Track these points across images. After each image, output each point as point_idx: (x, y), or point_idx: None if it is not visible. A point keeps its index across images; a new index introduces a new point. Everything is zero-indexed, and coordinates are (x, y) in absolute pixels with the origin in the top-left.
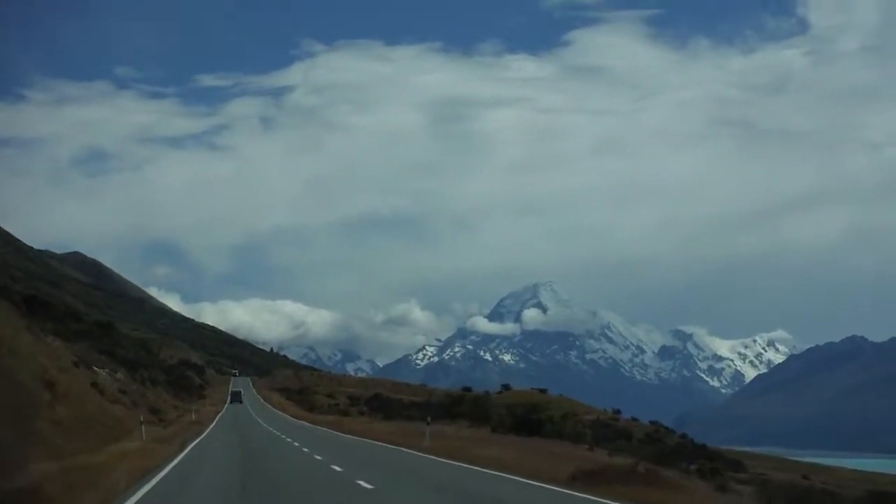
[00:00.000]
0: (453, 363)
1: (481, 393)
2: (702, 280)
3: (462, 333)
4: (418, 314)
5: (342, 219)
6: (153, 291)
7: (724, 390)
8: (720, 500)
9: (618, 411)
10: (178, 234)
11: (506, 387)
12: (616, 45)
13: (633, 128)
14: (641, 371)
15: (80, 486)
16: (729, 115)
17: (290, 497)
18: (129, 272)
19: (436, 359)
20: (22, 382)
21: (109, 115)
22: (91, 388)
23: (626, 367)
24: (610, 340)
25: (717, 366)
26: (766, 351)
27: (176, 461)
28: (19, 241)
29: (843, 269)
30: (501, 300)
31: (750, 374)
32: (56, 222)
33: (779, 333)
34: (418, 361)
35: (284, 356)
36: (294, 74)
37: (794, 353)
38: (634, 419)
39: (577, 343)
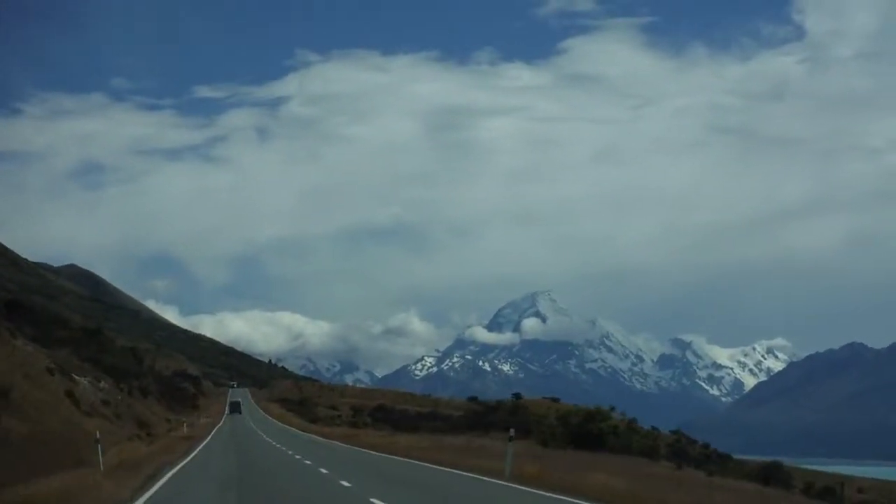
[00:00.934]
0: (452, 374)
1: (517, 400)
2: (701, 288)
3: (461, 343)
4: (417, 324)
5: (340, 229)
6: (151, 304)
7: (723, 399)
8: None
9: (634, 420)
10: (176, 246)
11: (517, 396)
12: (612, 53)
13: (630, 136)
14: (641, 380)
15: None
16: (726, 123)
17: None
18: (126, 285)
19: (435, 369)
20: None
21: (105, 127)
22: (65, 397)
23: (626, 376)
24: (609, 349)
25: (717, 374)
26: (765, 359)
27: None
28: (15, 253)
29: (843, 276)
30: (500, 310)
31: (749, 382)
32: (52, 235)
33: (778, 341)
34: (417, 372)
35: (283, 367)
36: (289, 85)
37: (794, 360)
38: (655, 428)
39: (577, 352)
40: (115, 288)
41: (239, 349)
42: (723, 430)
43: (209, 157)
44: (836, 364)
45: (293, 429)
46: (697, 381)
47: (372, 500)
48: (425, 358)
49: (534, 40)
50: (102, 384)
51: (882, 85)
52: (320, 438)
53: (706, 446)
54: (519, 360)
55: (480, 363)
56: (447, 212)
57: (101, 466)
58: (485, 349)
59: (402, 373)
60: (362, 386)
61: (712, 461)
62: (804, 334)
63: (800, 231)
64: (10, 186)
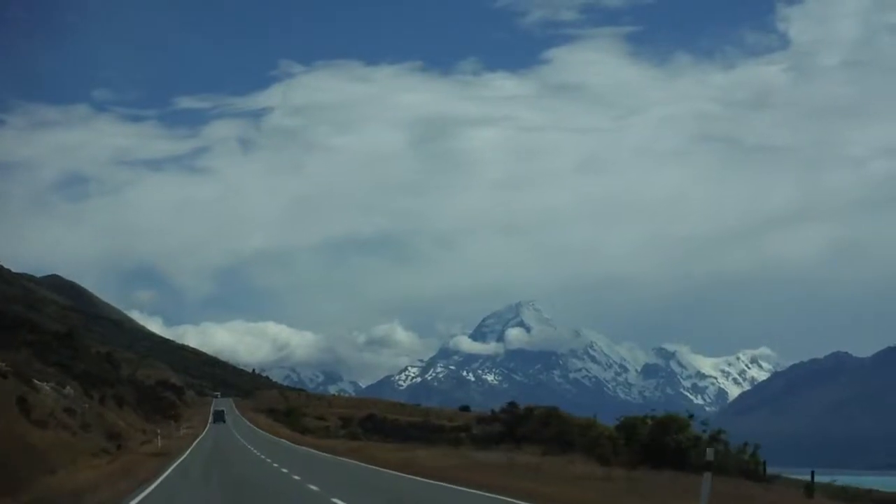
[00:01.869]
0: (436, 383)
1: (551, 408)
2: (685, 298)
3: (445, 353)
4: (401, 334)
5: (324, 240)
6: (135, 315)
7: (707, 408)
8: None
9: (720, 432)
10: (159, 258)
11: (512, 405)
12: (596, 63)
13: (615, 145)
14: (625, 390)
15: None
16: (711, 132)
17: None
18: (110, 296)
19: (419, 379)
20: None
21: (88, 138)
22: (13, 405)
23: (610, 386)
24: (593, 359)
25: (701, 384)
26: (749, 368)
27: None
28: None
29: (827, 286)
30: (484, 319)
31: (734, 391)
32: (35, 246)
33: (762, 350)
34: (401, 382)
35: (267, 377)
36: (273, 96)
37: (778, 369)
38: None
39: (561, 362)
40: (98, 298)
41: (223, 359)
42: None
43: (193, 168)
44: (821, 373)
45: (285, 441)
46: (682, 390)
47: None
48: (409, 368)
49: (518, 50)
50: (68, 390)
51: (866, 93)
52: (322, 454)
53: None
54: (503, 369)
55: (464, 373)
56: (431, 222)
57: None
58: (469, 359)
59: (386, 383)
60: (346, 396)
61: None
62: (788, 344)
63: (784, 240)
64: None
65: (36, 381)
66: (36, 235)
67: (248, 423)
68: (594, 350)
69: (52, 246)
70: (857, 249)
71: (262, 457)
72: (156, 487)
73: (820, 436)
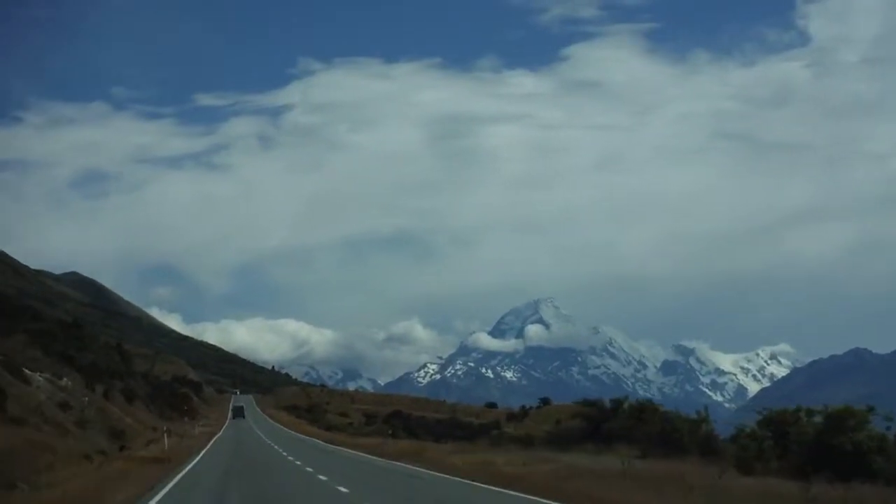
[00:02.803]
0: (455, 380)
1: (645, 402)
2: (704, 295)
3: (464, 350)
4: (420, 332)
5: (343, 237)
6: (154, 312)
7: (727, 405)
8: None
9: None
10: (179, 255)
11: (544, 400)
12: (615, 60)
13: (633, 142)
14: (644, 386)
15: None
16: (730, 129)
17: None
18: (129, 293)
19: (438, 376)
20: None
21: (107, 136)
22: None
23: (629, 383)
24: (612, 356)
25: (720, 380)
26: (768, 364)
27: None
28: (16, 261)
29: (847, 282)
30: (503, 317)
31: (753, 388)
32: (54, 244)
33: (782, 347)
34: (420, 379)
35: (287, 375)
36: (292, 93)
37: (798, 366)
38: None
39: (580, 359)
40: (117, 295)
41: (242, 357)
42: (727, 436)
43: (212, 166)
44: (840, 370)
45: (317, 440)
46: (701, 387)
47: None
48: (428, 365)
49: (536, 47)
50: (65, 382)
51: (887, 90)
52: (370, 457)
53: None
54: (522, 366)
55: (483, 370)
56: (450, 220)
57: None
58: (488, 356)
59: (405, 380)
60: (366, 392)
61: None
62: (808, 340)
63: (804, 237)
64: (11, 195)
65: (27, 371)
66: (55, 233)
67: (270, 419)
68: (613, 347)
69: (71, 243)
70: (877, 246)
71: (298, 463)
72: None
73: None
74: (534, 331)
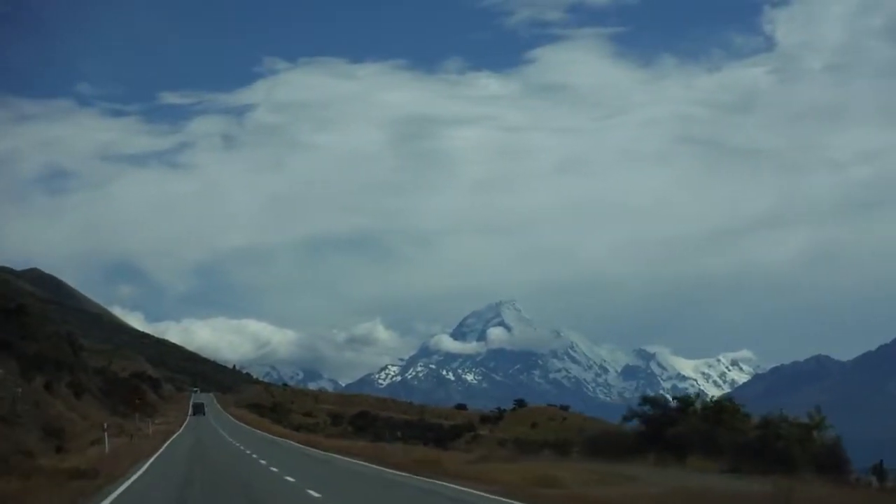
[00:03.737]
0: (416, 382)
1: (725, 401)
2: (666, 300)
3: (425, 352)
4: (382, 333)
5: (305, 238)
6: (116, 310)
7: None
8: None
9: None
10: (142, 253)
11: (520, 402)
12: (581, 63)
13: (597, 146)
14: (605, 391)
15: None
16: (694, 134)
17: None
18: (91, 291)
19: (398, 378)
20: None
21: (71, 132)
22: None
23: (590, 387)
24: (573, 360)
25: (681, 385)
26: (729, 370)
27: None
28: None
29: (808, 289)
30: (464, 319)
31: (714, 393)
32: (15, 241)
33: (743, 353)
34: (381, 381)
35: (248, 374)
36: (256, 92)
37: (759, 372)
38: None
39: (541, 362)
40: (78, 292)
41: (204, 356)
42: None
43: (175, 164)
44: (802, 376)
45: (293, 443)
46: (661, 392)
47: None
48: (389, 367)
49: (502, 49)
50: None
51: (849, 98)
52: (382, 469)
53: None
54: (483, 369)
55: (444, 372)
56: (413, 221)
57: None
58: (449, 358)
59: (366, 381)
60: (329, 392)
61: None
62: (769, 346)
63: (765, 243)
64: None
65: None
66: (16, 229)
67: (233, 418)
68: (574, 351)
69: (32, 240)
70: (838, 253)
71: (290, 480)
72: None
73: None
74: (495, 334)
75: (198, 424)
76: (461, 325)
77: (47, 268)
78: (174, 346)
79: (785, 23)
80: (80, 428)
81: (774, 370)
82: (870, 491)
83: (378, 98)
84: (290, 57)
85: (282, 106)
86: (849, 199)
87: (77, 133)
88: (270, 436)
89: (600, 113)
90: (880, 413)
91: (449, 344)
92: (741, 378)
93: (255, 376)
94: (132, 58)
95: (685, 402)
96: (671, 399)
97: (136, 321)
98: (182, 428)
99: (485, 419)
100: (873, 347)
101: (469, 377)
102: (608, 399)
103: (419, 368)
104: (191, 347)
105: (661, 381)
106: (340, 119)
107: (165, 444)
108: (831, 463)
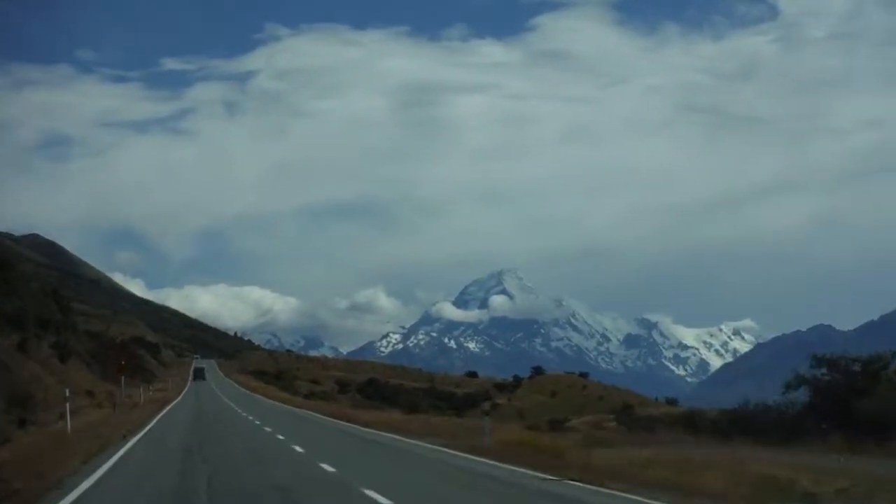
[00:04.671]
0: (417, 350)
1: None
2: (668, 268)
3: (427, 320)
4: (384, 301)
5: (307, 205)
6: (117, 277)
7: (689, 379)
8: None
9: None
10: (143, 220)
11: (537, 370)
12: (583, 31)
13: (601, 115)
14: (607, 359)
15: None
16: (698, 102)
17: None
18: (91, 257)
19: (400, 346)
20: None
21: (72, 99)
22: None
23: (592, 356)
24: (575, 328)
25: (683, 354)
26: (731, 339)
27: None
28: None
29: (811, 258)
30: (466, 287)
31: (716, 363)
32: (16, 207)
33: (745, 322)
34: (382, 349)
35: (249, 341)
36: (258, 59)
37: (761, 341)
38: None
39: (542, 331)
40: (78, 258)
41: (205, 322)
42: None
43: (177, 131)
44: (804, 346)
45: (321, 416)
46: (663, 360)
47: None
48: (391, 334)
49: (505, 16)
50: None
51: (852, 66)
52: (496, 464)
53: None
54: (485, 337)
55: (446, 340)
56: (416, 188)
57: None
58: (451, 326)
59: (368, 349)
60: (334, 359)
61: None
62: (771, 316)
63: (768, 212)
64: None
65: None
66: (16, 195)
67: (238, 385)
68: (576, 319)
69: (32, 206)
70: (841, 221)
71: (365, 490)
72: None
73: None
74: (497, 302)
75: (199, 391)
76: (463, 292)
77: (47, 234)
78: (175, 312)
79: None
80: (58, 396)
81: (776, 340)
82: None
83: (380, 65)
84: (292, 23)
85: (284, 73)
86: (852, 167)
87: (78, 99)
88: (288, 407)
89: (603, 81)
90: None
91: (451, 312)
92: (743, 347)
93: (256, 343)
94: (133, 24)
95: (877, 363)
96: (853, 361)
97: (136, 288)
98: (180, 396)
99: (499, 387)
100: (875, 317)
101: (471, 345)
102: (610, 368)
103: (421, 336)
104: (192, 314)
105: (663, 351)
106: (343, 86)
107: (155, 420)
108: None
